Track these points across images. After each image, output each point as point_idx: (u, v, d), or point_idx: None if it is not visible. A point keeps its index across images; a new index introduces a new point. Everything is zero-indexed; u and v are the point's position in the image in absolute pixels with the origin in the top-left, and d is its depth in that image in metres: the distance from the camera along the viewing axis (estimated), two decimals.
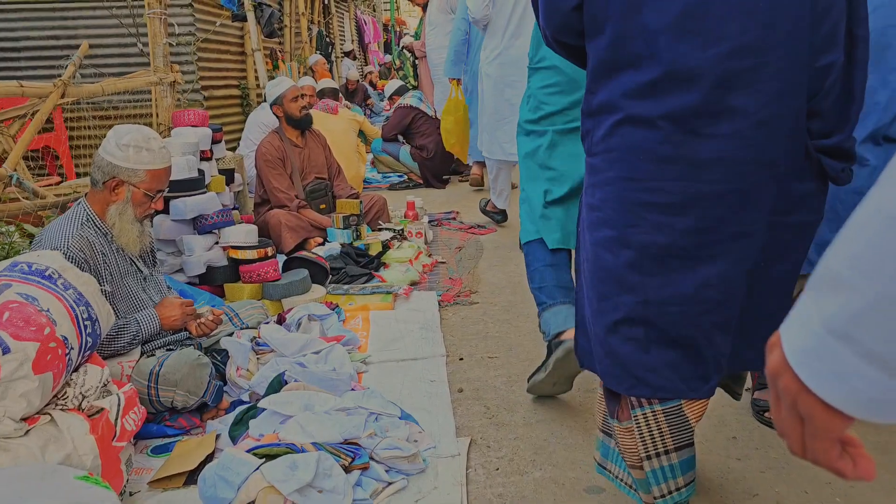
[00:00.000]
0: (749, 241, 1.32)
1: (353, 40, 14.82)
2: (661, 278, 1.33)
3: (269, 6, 6.53)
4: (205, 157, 3.72)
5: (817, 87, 1.29)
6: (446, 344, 2.87)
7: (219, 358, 2.52)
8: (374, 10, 19.09)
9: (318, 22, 11.13)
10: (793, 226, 1.36)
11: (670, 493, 1.45)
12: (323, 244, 4.23)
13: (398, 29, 19.79)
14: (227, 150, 6.71)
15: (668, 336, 1.35)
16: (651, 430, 1.42)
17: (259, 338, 2.59)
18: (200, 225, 3.29)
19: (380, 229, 4.46)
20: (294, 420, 1.99)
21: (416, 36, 8.49)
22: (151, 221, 2.66)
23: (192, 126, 3.65)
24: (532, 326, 3.00)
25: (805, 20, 1.24)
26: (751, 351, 1.43)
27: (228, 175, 3.99)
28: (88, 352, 1.91)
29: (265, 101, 4.95)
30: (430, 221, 4.87)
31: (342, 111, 6.08)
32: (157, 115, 3.74)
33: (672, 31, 1.24)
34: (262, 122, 5.74)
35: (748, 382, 2.14)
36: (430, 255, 4.03)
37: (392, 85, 8.00)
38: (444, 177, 6.58)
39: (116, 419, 1.84)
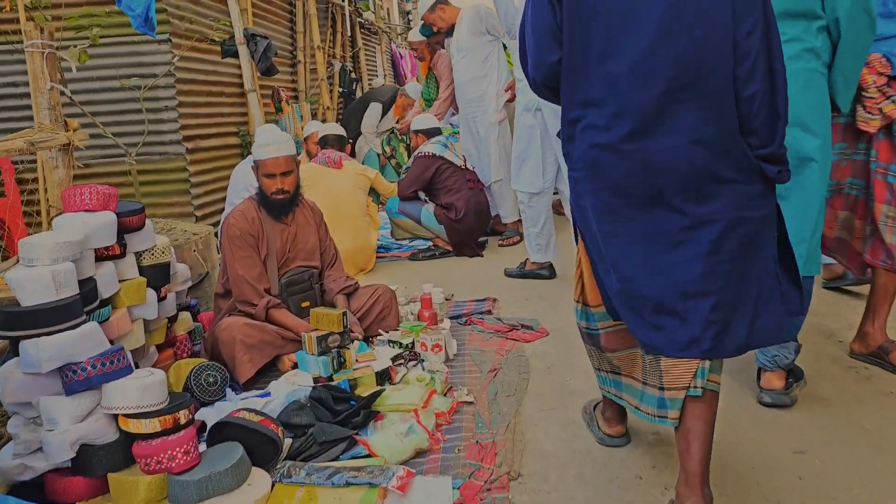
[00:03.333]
0: (704, 231, 1.65)
1: (385, 75, 13.75)
2: (641, 258, 1.70)
3: (265, 38, 5.38)
4: (112, 254, 2.51)
5: (747, 112, 1.63)
6: None
7: None
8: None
9: (342, 56, 10.05)
10: (756, 219, 1.68)
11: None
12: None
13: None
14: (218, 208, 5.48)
15: (654, 303, 1.71)
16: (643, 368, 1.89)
17: None
18: (70, 380, 2.04)
19: (379, 336, 3.17)
20: None
21: (426, 95, 6.23)
22: None
23: (88, 210, 2.44)
24: None
25: (727, 64, 1.60)
26: (743, 328, 1.70)
27: (159, 274, 2.76)
28: None
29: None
30: (454, 318, 3.54)
31: (348, 164, 4.84)
32: (46, 194, 2.54)
33: (625, 78, 1.63)
34: (251, 182, 4.50)
35: None
36: (447, 391, 2.68)
37: (422, 120, 5.60)
38: (480, 239, 5.26)
39: None
